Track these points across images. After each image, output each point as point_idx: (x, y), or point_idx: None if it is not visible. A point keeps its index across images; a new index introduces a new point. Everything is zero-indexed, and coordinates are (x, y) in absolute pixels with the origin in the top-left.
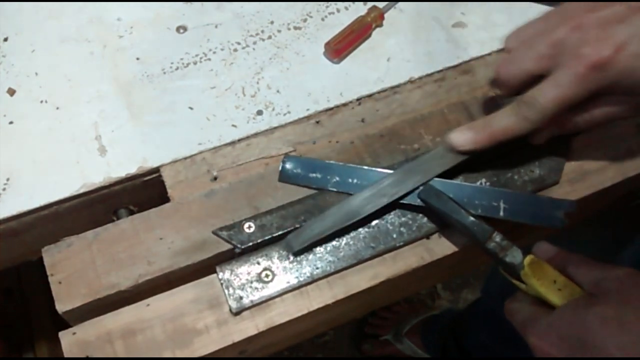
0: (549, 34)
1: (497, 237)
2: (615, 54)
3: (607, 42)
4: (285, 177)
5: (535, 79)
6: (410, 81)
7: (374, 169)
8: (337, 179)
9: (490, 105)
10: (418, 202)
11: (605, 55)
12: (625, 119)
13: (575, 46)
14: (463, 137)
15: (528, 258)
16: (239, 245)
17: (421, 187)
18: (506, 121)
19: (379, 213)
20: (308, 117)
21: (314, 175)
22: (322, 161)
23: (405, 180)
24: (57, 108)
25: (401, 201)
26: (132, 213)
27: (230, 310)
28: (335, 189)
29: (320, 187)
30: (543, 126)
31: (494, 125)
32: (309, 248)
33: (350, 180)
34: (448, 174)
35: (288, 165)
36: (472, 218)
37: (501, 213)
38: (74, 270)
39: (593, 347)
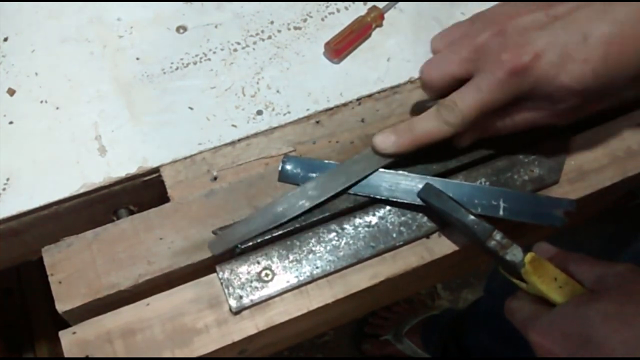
0: (473, 38)
1: (498, 236)
2: (534, 61)
3: (526, 48)
4: (285, 177)
5: (459, 83)
6: (410, 81)
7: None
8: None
9: (416, 110)
10: (418, 201)
11: (523, 62)
12: (547, 125)
13: (495, 51)
14: (386, 140)
15: (529, 255)
16: (239, 245)
17: (419, 182)
18: (427, 125)
19: (378, 205)
20: (308, 117)
21: (313, 175)
22: (321, 161)
23: (329, 183)
24: (57, 108)
25: (402, 201)
26: (132, 213)
27: (230, 309)
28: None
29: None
30: (465, 130)
31: (415, 129)
32: (230, 251)
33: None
34: (448, 171)
35: (288, 166)
36: (472, 216)
37: (501, 212)
38: (74, 270)
39: (595, 344)
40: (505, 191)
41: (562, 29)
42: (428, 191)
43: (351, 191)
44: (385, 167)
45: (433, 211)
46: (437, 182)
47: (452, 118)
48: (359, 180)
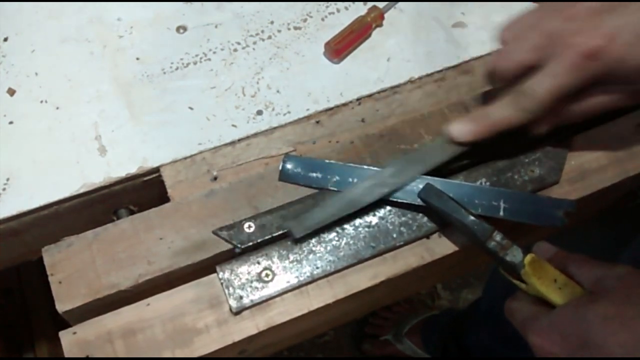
0: (542, 25)
1: (498, 236)
2: (608, 43)
3: (600, 31)
4: (285, 176)
5: (530, 71)
6: (410, 81)
7: (373, 168)
8: (337, 178)
9: (486, 99)
10: (418, 201)
11: (598, 44)
12: (622, 107)
13: (568, 36)
14: (463, 129)
15: (528, 257)
16: (239, 245)
17: (420, 182)
18: (504, 112)
19: (379, 205)
20: (308, 117)
21: (314, 174)
22: (322, 160)
23: (405, 170)
24: (57, 108)
25: (402, 201)
26: (132, 213)
27: (231, 309)
28: (335, 189)
29: (320, 186)
30: (541, 116)
31: (492, 116)
32: (311, 235)
33: (350, 179)
34: (448, 172)
35: (288, 165)
36: (472, 217)
37: (501, 212)
38: (74, 270)
39: (594, 346)
40: (505, 191)
41: (633, 9)
42: (428, 191)
43: (340, 189)
44: (458, 157)
45: (433, 211)
46: (438, 183)
47: (529, 104)
48: (435, 168)
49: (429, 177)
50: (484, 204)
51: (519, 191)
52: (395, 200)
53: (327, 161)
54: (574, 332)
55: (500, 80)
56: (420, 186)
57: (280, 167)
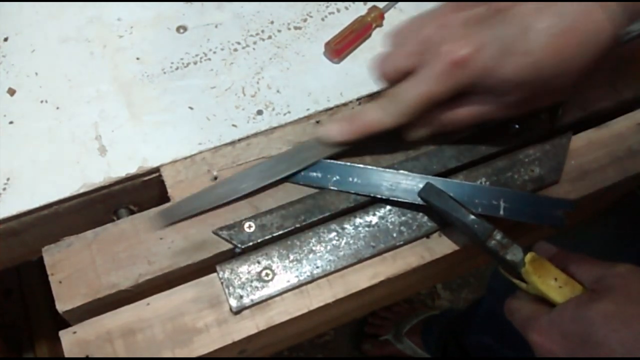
0: (421, 31)
1: (498, 235)
2: (475, 53)
3: (467, 41)
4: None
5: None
6: None
7: (373, 167)
8: (337, 177)
9: None
10: (419, 200)
11: (464, 54)
12: (495, 119)
13: (438, 44)
14: (330, 129)
15: (529, 255)
16: (239, 245)
17: (420, 181)
18: (372, 115)
19: (379, 205)
20: (308, 117)
21: (314, 174)
22: (322, 160)
23: (275, 168)
24: (57, 108)
25: (401, 200)
26: (132, 213)
27: (231, 309)
28: (335, 188)
29: (320, 186)
30: (410, 123)
31: (364, 118)
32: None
33: (350, 179)
34: (448, 171)
35: None
36: (472, 216)
37: (501, 212)
38: (74, 270)
39: (595, 344)
40: (505, 191)
41: (503, 22)
42: (429, 191)
43: (352, 190)
44: (331, 157)
45: (434, 211)
46: (438, 182)
47: (398, 108)
48: (300, 170)
49: (429, 176)
50: (484, 203)
51: (519, 191)
52: (395, 199)
53: (327, 161)
54: (574, 330)
55: (383, 84)
56: (421, 185)
57: None
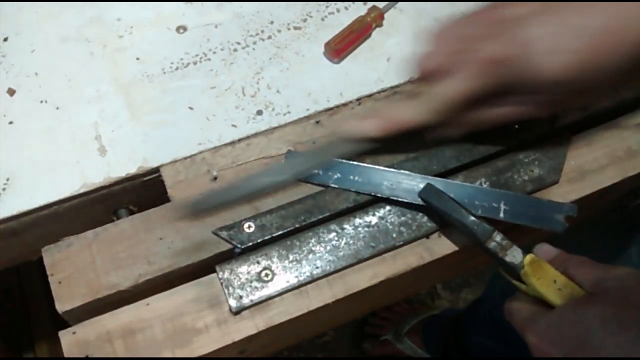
0: (461, 30)
1: (498, 237)
2: (520, 51)
3: (510, 40)
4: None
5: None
6: (410, 81)
7: (374, 166)
8: (339, 175)
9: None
10: (419, 201)
11: (505, 53)
12: (531, 118)
13: (479, 42)
14: (366, 124)
15: (528, 257)
16: (239, 245)
17: (420, 182)
18: (407, 111)
19: (378, 205)
20: (308, 117)
21: (315, 171)
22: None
23: (307, 163)
24: (57, 108)
25: (402, 200)
26: (132, 213)
27: (230, 309)
28: (336, 186)
29: (321, 183)
30: (448, 119)
31: (395, 114)
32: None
33: (351, 177)
34: (448, 172)
35: (291, 158)
36: (472, 217)
37: (501, 214)
38: (73, 270)
39: (591, 347)
40: (506, 193)
41: (550, 20)
42: (429, 191)
43: (352, 189)
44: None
45: (433, 211)
46: (439, 183)
47: (428, 105)
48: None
49: (430, 177)
50: (485, 205)
51: (520, 193)
52: (395, 199)
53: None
54: (572, 332)
55: (421, 81)
56: (421, 186)
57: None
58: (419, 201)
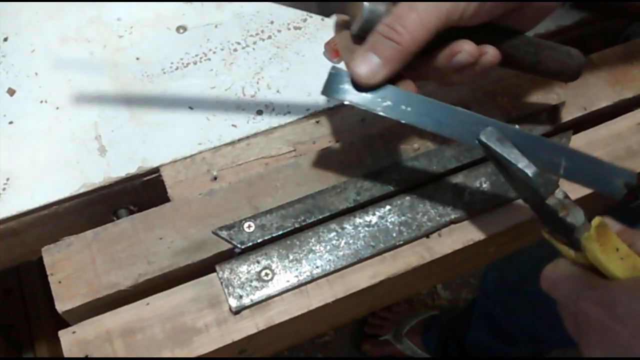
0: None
1: (560, 194)
2: None
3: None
4: (331, 91)
5: None
6: None
7: (429, 98)
8: (389, 103)
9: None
10: (474, 143)
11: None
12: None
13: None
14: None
15: (596, 219)
16: (238, 245)
17: (474, 125)
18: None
19: (378, 204)
20: (308, 117)
21: (363, 94)
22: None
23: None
24: (57, 108)
25: (455, 138)
26: (132, 213)
27: (230, 309)
28: (384, 114)
29: (368, 108)
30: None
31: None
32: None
33: (402, 106)
34: (448, 171)
35: (335, 78)
36: (536, 168)
37: (561, 171)
38: (73, 270)
39: None
40: (567, 149)
41: None
42: (490, 135)
43: (402, 120)
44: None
45: (491, 158)
46: (496, 125)
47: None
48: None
49: (491, 119)
50: (545, 159)
51: (581, 151)
52: (443, 134)
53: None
54: None
55: None
56: (480, 128)
57: (325, 81)
58: (476, 144)
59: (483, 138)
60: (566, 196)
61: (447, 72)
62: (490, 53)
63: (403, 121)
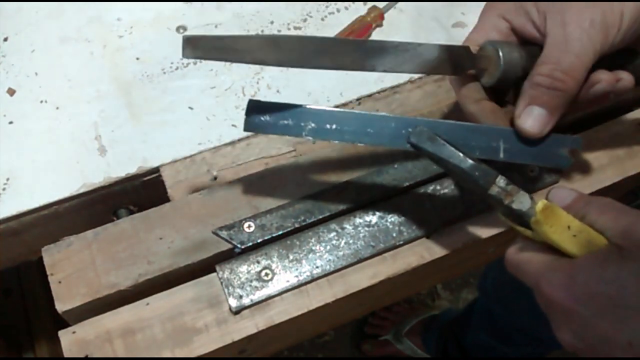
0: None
1: (502, 182)
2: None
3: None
4: (252, 126)
5: None
6: (410, 81)
7: (352, 110)
8: (313, 125)
9: None
10: (407, 147)
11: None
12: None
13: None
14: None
15: (540, 204)
16: (238, 245)
17: (402, 126)
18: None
19: (379, 204)
20: None
21: (285, 122)
22: (294, 104)
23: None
24: (57, 108)
25: (387, 145)
26: (132, 213)
27: (230, 309)
28: (310, 137)
29: (294, 135)
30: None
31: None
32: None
33: (327, 126)
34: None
35: (255, 112)
36: (471, 161)
37: (501, 155)
38: (73, 270)
39: (626, 308)
40: (504, 130)
41: None
42: (419, 135)
43: (330, 139)
44: None
45: (427, 158)
46: (425, 124)
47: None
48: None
49: (417, 118)
50: (482, 146)
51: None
52: (379, 145)
53: (300, 105)
54: (602, 290)
55: None
56: (408, 130)
57: (244, 115)
58: (407, 147)
59: (413, 140)
60: (508, 183)
61: (584, 103)
62: (626, 78)
63: (334, 141)
